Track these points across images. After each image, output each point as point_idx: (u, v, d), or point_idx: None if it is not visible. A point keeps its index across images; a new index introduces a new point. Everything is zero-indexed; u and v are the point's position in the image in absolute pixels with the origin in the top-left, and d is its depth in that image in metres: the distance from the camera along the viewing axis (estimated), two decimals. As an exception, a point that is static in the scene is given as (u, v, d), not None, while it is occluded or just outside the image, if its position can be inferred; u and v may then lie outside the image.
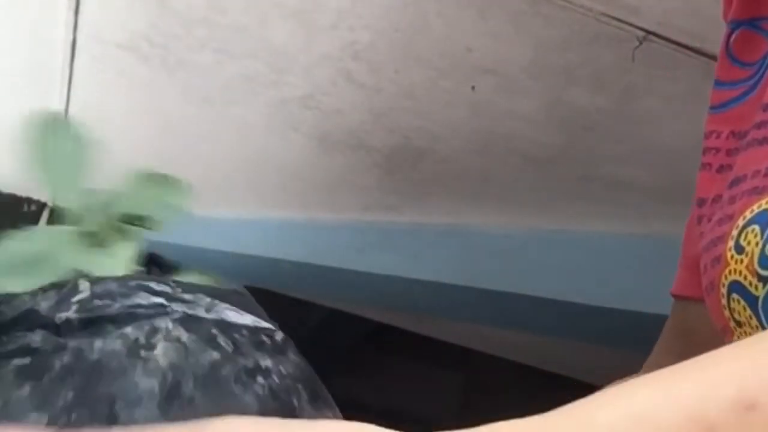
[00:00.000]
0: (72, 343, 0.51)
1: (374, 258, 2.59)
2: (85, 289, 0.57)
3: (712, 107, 0.74)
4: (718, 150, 0.72)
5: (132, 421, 0.48)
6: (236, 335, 0.58)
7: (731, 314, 0.63)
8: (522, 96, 1.81)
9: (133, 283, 0.60)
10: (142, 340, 0.53)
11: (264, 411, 0.54)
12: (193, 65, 1.94)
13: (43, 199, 3.04)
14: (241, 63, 1.89)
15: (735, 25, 0.75)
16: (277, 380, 0.57)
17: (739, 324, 0.63)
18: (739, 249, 0.61)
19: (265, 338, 0.59)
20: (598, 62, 1.66)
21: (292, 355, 0.60)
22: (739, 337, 0.63)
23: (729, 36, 0.74)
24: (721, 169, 0.71)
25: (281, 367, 0.58)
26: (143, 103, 2.17)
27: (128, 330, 0.53)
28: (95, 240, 0.62)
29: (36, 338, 0.51)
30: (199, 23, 1.78)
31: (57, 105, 2.21)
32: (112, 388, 0.49)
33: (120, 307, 0.55)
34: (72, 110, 2.24)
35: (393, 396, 5.59)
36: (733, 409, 0.42)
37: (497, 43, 1.66)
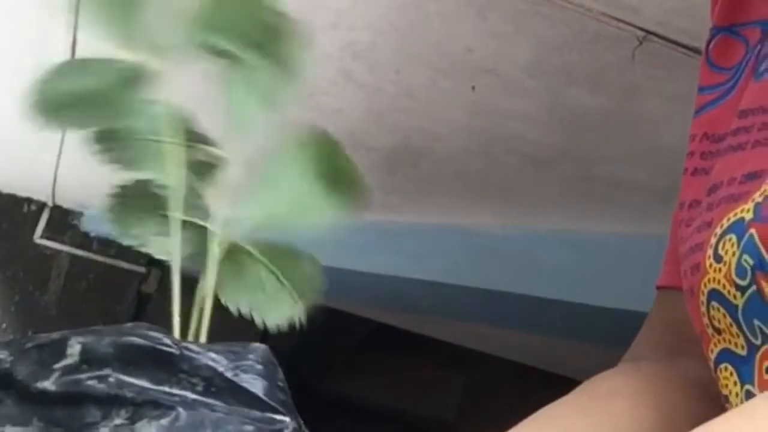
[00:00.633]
0: (40, 422, 0.43)
1: (374, 258, 2.59)
2: (73, 352, 0.48)
3: (695, 112, 0.75)
4: (693, 154, 0.73)
5: None
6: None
7: (710, 321, 0.64)
8: (522, 96, 1.81)
9: (129, 340, 0.50)
10: None
11: None
12: (192, 65, 1.94)
13: (43, 198, 3.04)
14: (241, 63, 1.89)
15: (715, 31, 0.76)
16: None
17: (717, 331, 0.63)
18: (718, 258, 0.62)
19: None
20: (598, 62, 1.66)
21: None
22: (715, 345, 0.64)
23: (709, 42, 0.76)
24: (696, 172, 0.72)
25: None
26: (143, 103, 2.17)
27: (115, 422, 0.45)
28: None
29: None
30: (199, 23, 1.78)
31: (57, 105, 2.21)
32: None
33: (113, 383, 0.46)
34: (72, 110, 2.24)
35: (393, 396, 5.59)
36: None
37: (497, 43, 1.66)
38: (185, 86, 0.66)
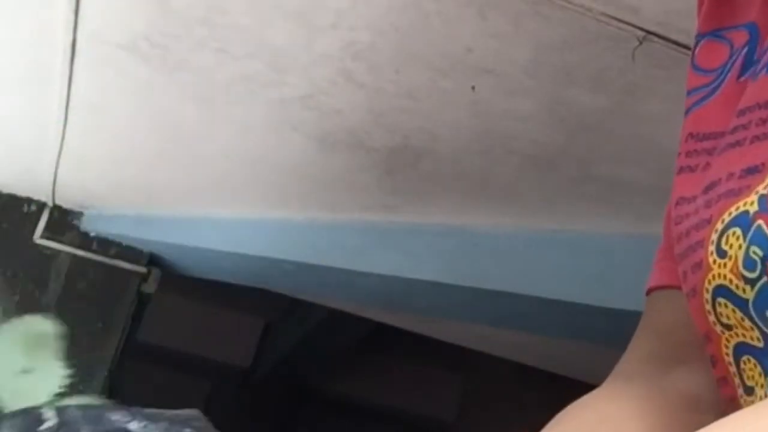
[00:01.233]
0: None
1: (374, 258, 2.59)
2: (50, 417, 0.54)
3: (684, 114, 0.76)
4: (680, 154, 0.74)
5: None
6: None
7: (717, 318, 0.63)
8: (522, 96, 1.81)
9: (96, 412, 0.55)
10: None
11: None
12: (193, 65, 1.94)
13: (43, 198, 3.04)
14: (241, 63, 1.89)
15: (699, 37, 0.77)
16: None
17: (727, 327, 0.62)
18: (721, 253, 0.61)
19: None
20: (598, 62, 1.66)
21: None
22: (728, 341, 0.64)
23: (694, 49, 0.77)
24: (681, 170, 0.73)
25: None
26: (143, 103, 2.17)
27: None
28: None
29: None
30: (199, 23, 1.78)
31: (57, 105, 2.21)
32: None
33: None
34: (72, 110, 2.24)
35: (393, 396, 5.59)
36: None
37: (497, 43, 1.66)
38: None
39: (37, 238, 3.02)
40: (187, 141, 2.36)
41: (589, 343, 2.84)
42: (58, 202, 3.01)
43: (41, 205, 3.03)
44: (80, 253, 3.04)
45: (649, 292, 0.78)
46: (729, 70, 0.72)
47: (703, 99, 0.73)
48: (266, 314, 5.21)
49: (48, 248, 3.03)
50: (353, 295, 3.07)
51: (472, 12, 1.59)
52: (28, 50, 2.03)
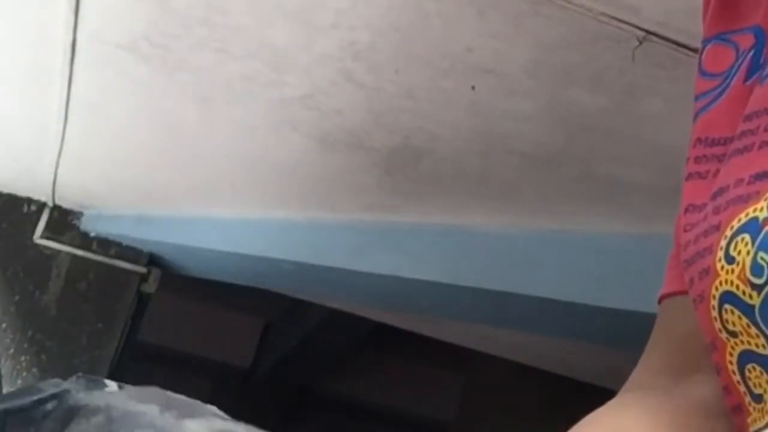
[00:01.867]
0: None
1: (374, 258, 2.59)
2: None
3: (692, 120, 0.76)
4: (688, 159, 0.73)
5: None
6: None
7: (723, 325, 0.63)
8: (522, 96, 1.81)
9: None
10: None
11: None
12: (193, 65, 1.94)
13: (43, 198, 3.04)
14: (241, 63, 1.89)
15: (705, 42, 0.77)
16: None
17: (733, 334, 0.62)
18: (730, 259, 0.61)
19: None
20: (598, 62, 1.66)
21: None
22: (734, 348, 0.64)
23: (701, 54, 0.76)
24: (690, 177, 0.72)
25: None
26: (143, 103, 2.17)
27: None
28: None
29: None
30: (199, 23, 1.78)
31: (57, 105, 2.21)
32: None
33: None
34: (72, 110, 2.24)
35: (393, 396, 5.59)
36: None
37: (497, 43, 1.66)
38: None
39: (37, 238, 3.02)
40: (187, 141, 2.36)
41: (589, 343, 2.84)
42: (58, 202, 3.01)
43: (41, 205, 3.03)
44: (80, 253, 3.04)
45: (660, 299, 0.77)
46: (735, 74, 0.72)
47: (710, 103, 0.73)
48: (266, 314, 5.21)
49: (48, 248, 3.03)
50: (353, 295, 3.07)
51: (472, 12, 1.59)
52: (28, 50, 2.03)
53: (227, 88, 2.02)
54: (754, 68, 0.70)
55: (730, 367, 0.64)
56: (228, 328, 5.20)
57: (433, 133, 2.03)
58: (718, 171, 0.68)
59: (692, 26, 1.54)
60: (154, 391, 0.61)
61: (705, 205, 0.67)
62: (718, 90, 0.72)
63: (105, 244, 3.05)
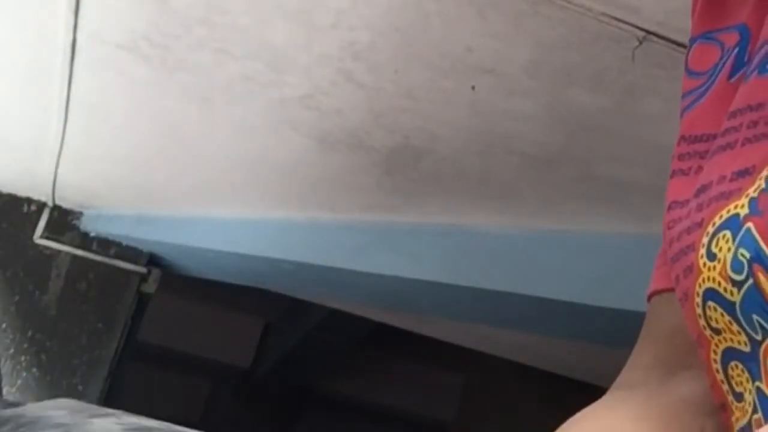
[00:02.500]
0: None
1: (374, 258, 2.59)
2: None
3: (679, 118, 0.76)
4: (673, 157, 0.74)
5: None
6: None
7: (707, 322, 0.63)
8: (522, 96, 1.81)
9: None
10: None
11: None
12: (193, 65, 1.94)
13: (43, 198, 3.05)
14: (241, 63, 1.89)
15: (692, 41, 0.77)
16: None
17: (716, 332, 0.62)
18: (711, 256, 0.61)
19: None
20: (598, 62, 1.66)
21: None
22: (717, 346, 0.64)
23: (688, 53, 0.77)
24: (674, 174, 0.72)
25: None
26: (143, 103, 2.17)
27: None
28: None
29: None
30: (199, 23, 1.78)
31: (57, 105, 2.21)
32: None
33: None
34: (72, 110, 2.24)
35: (393, 396, 5.59)
36: None
37: (497, 43, 1.66)
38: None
39: (37, 238, 3.02)
40: (187, 141, 2.36)
41: (589, 343, 2.84)
42: (58, 202, 3.01)
43: (41, 205, 3.04)
44: (80, 253, 3.04)
45: (649, 297, 0.77)
46: (720, 72, 0.72)
47: (695, 101, 0.74)
48: (266, 314, 5.21)
49: (48, 248, 3.03)
50: (353, 295, 3.07)
51: (472, 12, 1.59)
52: (28, 50, 2.03)
53: (227, 88, 2.02)
54: (738, 66, 0.70)
55: (714, 365, 0.64)
56: (228, 328, 5.20)
57: (433, 133, 2.03)
58: (700, 168, 0.69)
59: (690, 27, 1.54)
60: (66, 401, 0.60)
61: (688, 201, 0.67)
62: (703, 88, 0.73)
63: (105, 244, 3.05)
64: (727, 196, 0.62)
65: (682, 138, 0.73)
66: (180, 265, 3.16)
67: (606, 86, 1.73)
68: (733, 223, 0.60)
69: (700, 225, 0.63)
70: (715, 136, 0.68)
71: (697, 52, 0.76)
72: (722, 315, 0.61)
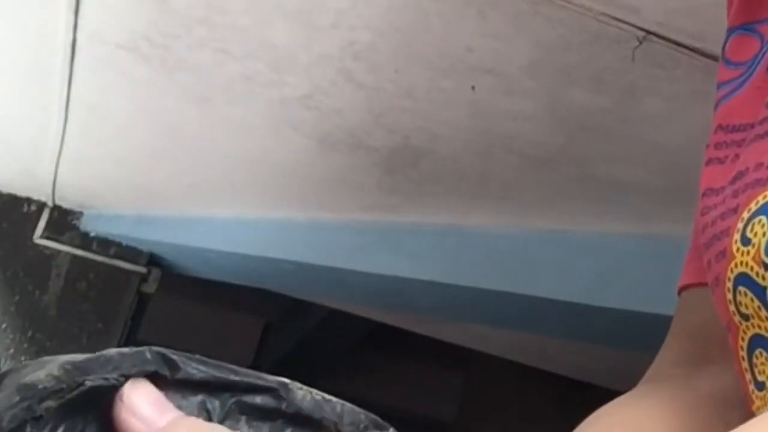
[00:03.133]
0: None
1: (374, 258, 2.59)
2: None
3: (714, 108, 0.76)
4: (708, 145, 0.74)
5: None
6: None
7: (737, 308, 0.63)
8: (522, 96, 1.81)
9: None
10: None
11: None
12: (193, 65, 1.94)
13: (43, 198, 3.04)
14: (241, 63, 1.89)
15: (730, 31, 0.77)
16: None
17: (745, 317, 0.62)
18: (746, 241, 0.61)
19: None
20: (598, 62, 1.66)
21: None
22: (745, 332, 0.64)
23: (725, 43, 0.77)
24: (710, 162, 0.73)
25: None
26: (143, 103, 2.17)
27: None
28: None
29: None
30: (199, 23, 1.78)
31: (57, 105, 2.21)
32: None
33: None
34: (72, 110, 2.24)
35: (393, 396, 5.59)
36: None
37: (497, 43, 1.66)
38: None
39: (37, 238, 3.02)
40: (187, 141, 2.36)
41: (589, 343, 2.84)
42: (58, 202, 3.01)
43: (41, 205, 3.04)
44: (80, 253, 3.04)
45: (680, 291, 0.78)
46: (759, 63, 0.72)
47: (732, 91, 0.74)
48: (266, 314, 5.21)
49: (48, 248, 3.03)
50: (353, 295, 3.07)
51: (472, 12, 1.59)
52: (28, 50, 2.03)
53: (227, 88, 2.02)
54: None
55: (740, 352, 0.64)
56: (228, 328, 5.20)
57: (433, 133, 2.03)
58: (737, 156, 0.69)
59: (692, 26, 1.54)
60: None
61: (723, 188, 0.67)
62: (741, 78, 0.73)
63: (105, 244, 3.05)
64: (764, 183, 0.62)
65: (719, 127, 0.73)
66: (180, 265, 3.16)
67: (606, 86, 1.73)
68: None
69: (735, 211, 0.63)
70: (752, 126, 0.68)
71: (735, 42, 0.76)
72: (752, 300, 0.61)
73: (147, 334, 3.73)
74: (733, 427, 0.45)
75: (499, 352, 3.62)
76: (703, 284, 0.70)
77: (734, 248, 0.62)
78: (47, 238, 3.02)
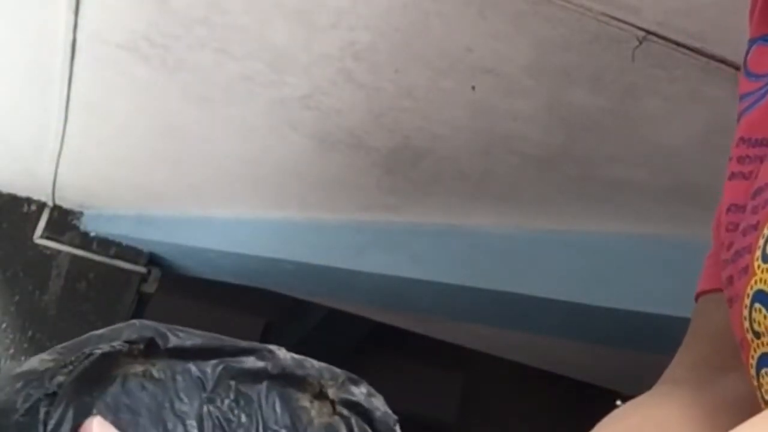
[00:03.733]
0: None
1: (374, 258, 2.59)
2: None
3: (736, 120, 0.75)
4: (731, 159, 0.73)
5: None
6: None
7: (750, 325, 0.63)
8: (522, 96, 1.81)
9: None
10: None
11: None
12: (193, 65, 1.94)
13: (43, 198, 3.04)
14: (241, 63, 1.89)
15: (751, 42, 0.76)
16: None
17: (757, 335, 0.62)
18: (766, 258, 0.61)
19: None
20: (598, 62, 1.66)
21: None
22: (755, 350, 0.64)
23: (746, 54, 0.76)
24: (733, 176, 0.72)
25: None
26: (143, 103, 2.17)
27: None
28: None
29: None
30: (199, 23, 1.78)
31: (57, 105, 2.21)
32: None
33: None
34: (72, 110, 2.24)
35: (393, 396, 5.59)
36: None
37: (497, 43, 1.66)
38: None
39: (37, 238, 3.02)
40: (187, 141, 2.36)
41: (589, 343, 2.84)
42: (58, 202, 3.01)
43: (41, 205, 3.03)
44: (80, 253, 3.04)
45: (697, 297, 0.77)
46: None
47: (754, 103, 0.73)
48: (266, 314, 5.21)
49: (48, 248, 3.03)
50: (353, 295, 3.07)
51: (472, 12, 1.59)
52: (28, 50, 2.03)
53: (227, 88, 2.02)
54: None
55: (750, 371, 0.63)
56: (228, 328, 5.19)
57: (433, 133, 2.03)
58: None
59: (692, 26, 1.54)
60: None
61: (746, 205, 0.67)
62: (763, 90, 0.72)
63: (105, 244, 3.05)
64: None
65: (741, 140, 0.72)
66: (180, 265, 3.16)
67: (606, 86, 1.73)
68: None
69: (756, 227, 0.63)
70: None
71: (757, 53, 0.74)
72: (765, 318, 0.61)
73: (147, 334, 3.73)
74: None
75: (499, 352, 3.62)
76: (721, 290, 0.70)
77: (755, 265, 0.61)
78: (47, 238, 3.02)
